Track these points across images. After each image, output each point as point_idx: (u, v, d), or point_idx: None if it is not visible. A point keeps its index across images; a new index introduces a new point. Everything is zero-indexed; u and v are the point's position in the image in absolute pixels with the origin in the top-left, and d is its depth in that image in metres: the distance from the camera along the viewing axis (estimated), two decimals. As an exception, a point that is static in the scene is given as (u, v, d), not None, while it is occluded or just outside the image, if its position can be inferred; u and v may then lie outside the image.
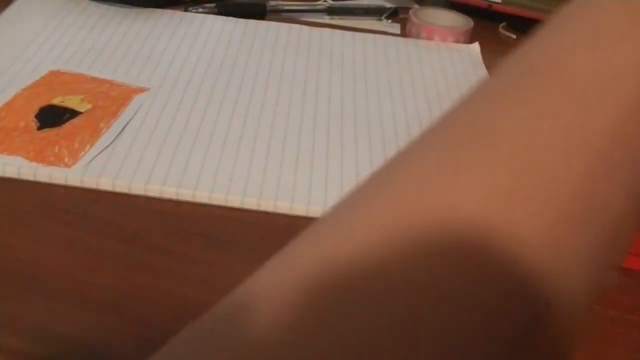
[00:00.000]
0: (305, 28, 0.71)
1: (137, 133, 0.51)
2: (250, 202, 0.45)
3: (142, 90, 0.56)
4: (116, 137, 0.50)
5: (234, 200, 0.45)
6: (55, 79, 0.56)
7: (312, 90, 0.59)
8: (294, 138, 0.52)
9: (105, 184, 0.46)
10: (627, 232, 0.20)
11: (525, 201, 0.19)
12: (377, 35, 0.71)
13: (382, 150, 0.52)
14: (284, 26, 0.71)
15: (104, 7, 0.69)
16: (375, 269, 0.18)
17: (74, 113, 0.51)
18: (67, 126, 0.50)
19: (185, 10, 0.72)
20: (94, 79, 0.56)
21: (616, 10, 0.22)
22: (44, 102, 0.52)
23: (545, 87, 0.21)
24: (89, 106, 0.52)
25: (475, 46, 0.71)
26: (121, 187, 0.46)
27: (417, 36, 0.72)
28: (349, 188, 0.47)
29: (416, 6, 0.77)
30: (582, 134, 0.20)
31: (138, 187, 0.46)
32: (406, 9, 0.76)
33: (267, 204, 0.45)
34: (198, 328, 0.19)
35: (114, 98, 0.54)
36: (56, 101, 0.52)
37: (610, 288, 0.43)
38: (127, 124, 0.51)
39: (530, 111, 0.20)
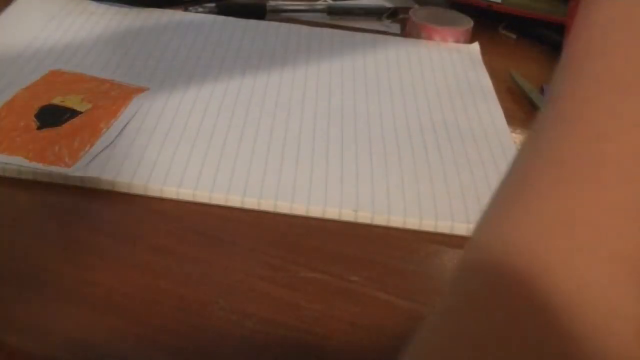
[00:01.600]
0: (305, 28, 0.71)
1: (137, 133, 0.51)
2: (250, 202, 0.45)
3: (142, 90, 0.56)
4: (116, 137, 0.50)
5: (234, 200, 0.45)
6: (55, 78, 0.56)
7: (312, 90, 0.59)
8: (294, 138, 0.52)
9: (105, 183, 0.46)
10: None
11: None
12: (377, 35, 0.71)
13: (382, 150, 0.52)
14: (284, 26, 0.71)
15: (104, 7, 0.69)
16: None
17: (74, 113, 0.51)
18: (67, 126, 0.50)
19: (185, 10, 0.72)
20: (94, 79, 0.56)
21: None
22: (44, 102, 0.52)
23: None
24: (89, 106, 0.52)
25: (475, 46, 0.71)
26: (121, 186, 0.46)
27: (417, 36, 0.72)
28: (349, 188, 0.47)
29: (416, 6, 0.77)
30: None
31: (138, 187, 0.46)
32: (406, 9, 0.76)
33: (267, 204, 0.45)
34: None
35: (114, 98, 0.54)
36: (56, 101, 0.52)
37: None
38: (127, 123, 0.51)
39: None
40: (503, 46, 0.75)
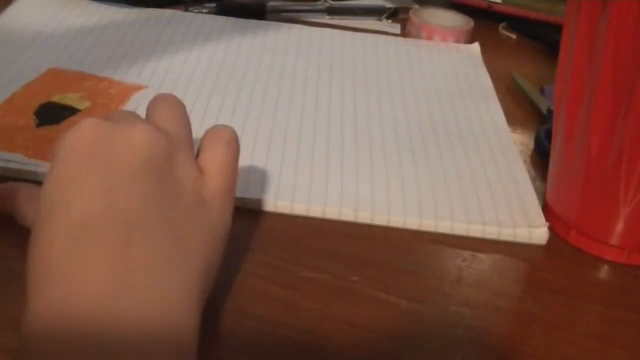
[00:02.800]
0: (305, 28, 0.71)
1: (137, 133, 0.51)
2: (251, 202, 0.45)
3: (140, 87, 0.56)
4: None
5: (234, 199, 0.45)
6: (54, 76, 0.56)
7: (312, 90, 0.59)
8: (294, 137, 0.52)
9: (105, 183, 0.46)
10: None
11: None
12: (377, 35, 0.71)
13: (382, 149, 0.52)
14: (284, 26, 0.71)
15: (104, 7, 0.69)
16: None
17: (73, 110, 0.51)
18: (67, 124, 0.50)
19: (186, 10, 0.72)
20: (93, 77, 0.57)
21: None
22: (43, 100, 0.52)
23: None
24: (88, 104, 0.52)
25: (475, 46, 0.71)
26: (121, 186, 0.46)
27: (417, 36, 0.72)
28: (349, 188, 0.47)
29: (416, 6, 0.77)
30: None
31: (138, 186, 0.46)
32: (406, 9, 0.76)
33: (268, 204, 0.45)
34: None
35: (113, 96, 0.54)
36: (55, 98, 0.53)
37: (610, 287, 0.43)
38: None
39: None
40: (503, 46, 0.75)
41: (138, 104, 0.54)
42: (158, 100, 0.39)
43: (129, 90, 0.55)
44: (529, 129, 0.59)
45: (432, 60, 0.67)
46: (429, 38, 0.71)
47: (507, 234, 0.45)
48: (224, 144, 0.37)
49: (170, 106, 0.38)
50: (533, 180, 0.51)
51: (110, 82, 0.56)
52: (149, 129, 0.33)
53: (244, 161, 0.49)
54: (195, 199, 0.34)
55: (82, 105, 0.52)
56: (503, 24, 0.78)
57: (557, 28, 0.75)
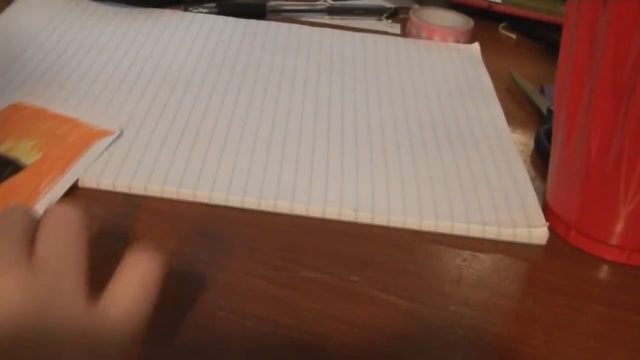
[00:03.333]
0: (305, 28, 0.71)
1: (137, 133, 0.51)
2: (250, 202, 0.45)
3: (106, 133, 0.50)
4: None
5: (234, 200, 0.45)
6: (14, 113, 0.51)
7: (312, 90, 0.59)
8: (294, 137, 0.52)
9: (105, 184, 0.46)
10: None
11: None
12: (377, 35, 0.71)
13: (382, 149, 0.52)
14: (284, 26, 0.71)
15: (104, 7, 0.69)
16: None
17: (17, 167, 0.46)
18: (5, 186, 0.44)
19: (186, 10, 0.72)
20: (56, 117, 0.51)
21: None
22: None
23: None
24: (38, 156, 0.47)
25: (475, 46, 0.71)
26: (121, 187, 0.46)
27: (417, 36, 0.72)
28: (349, 188, 0.47)
29: (416, 6, 0.77)
30: None
31: (138, 186, 0.46)
32: (406, 9, 0.76)
33: (267, 204, 0.45)
34: None
35: (69, 146, 0.48)
36: (3, 148, 0.47)
37: (610, 287, 0.43)
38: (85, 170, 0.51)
39: None
40: (503, 46, 0.75)
41: (93, 160, 0.47)
42: (50, 218, 0.33)
43: (91, 138, 0.49)
44: (529, 129, 0.59)
45: (432, 60, 0.67)
46: (429, 38, 0.71)
47: (507, 234, 0.45)
48: (137, 282, 0.32)
49: (60, 226, 0.33)
50: (533, 180, 0.51)
51: (74, 124, 0.50)
52: (12, 282, 0.30)
53: (243, 161, 0.49)
54: (86, 345, 0.30)
55: (31, 158, 0.46)
56: (503, 24, 0.78)
57: (557, 28, 0.75)
